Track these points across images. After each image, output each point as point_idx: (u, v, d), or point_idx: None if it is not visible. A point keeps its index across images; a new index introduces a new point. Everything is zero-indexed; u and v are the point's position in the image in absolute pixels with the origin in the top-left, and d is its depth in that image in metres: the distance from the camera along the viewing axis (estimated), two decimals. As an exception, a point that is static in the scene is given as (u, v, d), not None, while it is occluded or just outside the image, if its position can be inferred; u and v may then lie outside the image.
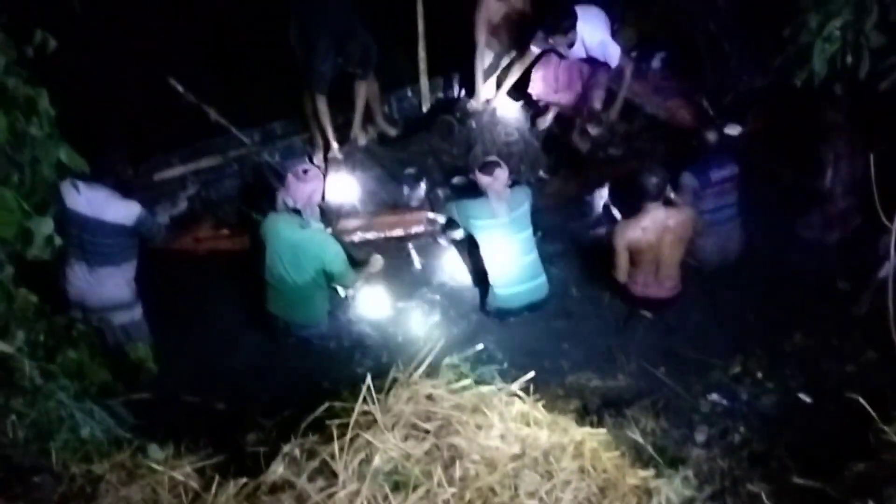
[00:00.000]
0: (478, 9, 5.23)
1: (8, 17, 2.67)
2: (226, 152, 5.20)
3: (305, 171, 4.24)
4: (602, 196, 5.17)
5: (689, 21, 5.48)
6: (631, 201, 4.55)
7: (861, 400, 3.15)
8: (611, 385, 4.25)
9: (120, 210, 4.01)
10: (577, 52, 5.11)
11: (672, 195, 4.55)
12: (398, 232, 4.87)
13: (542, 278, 4.60)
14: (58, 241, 2.84)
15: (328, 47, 4.79)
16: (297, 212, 4.20)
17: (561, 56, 5.28)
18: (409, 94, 5.82)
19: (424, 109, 5.77)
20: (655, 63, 5.77)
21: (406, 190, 5.05)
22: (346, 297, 4.58)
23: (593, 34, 5.00)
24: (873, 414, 3.14)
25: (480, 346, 3.59)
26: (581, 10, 4.97)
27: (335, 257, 4.20)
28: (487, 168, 4.50)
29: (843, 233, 4.90)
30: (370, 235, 4.84)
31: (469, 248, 4.77)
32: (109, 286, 4.09)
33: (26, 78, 2.64)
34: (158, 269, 4.35)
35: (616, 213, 4.97)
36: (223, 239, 4.73)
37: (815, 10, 3.73)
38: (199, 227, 4.76)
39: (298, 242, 4.18)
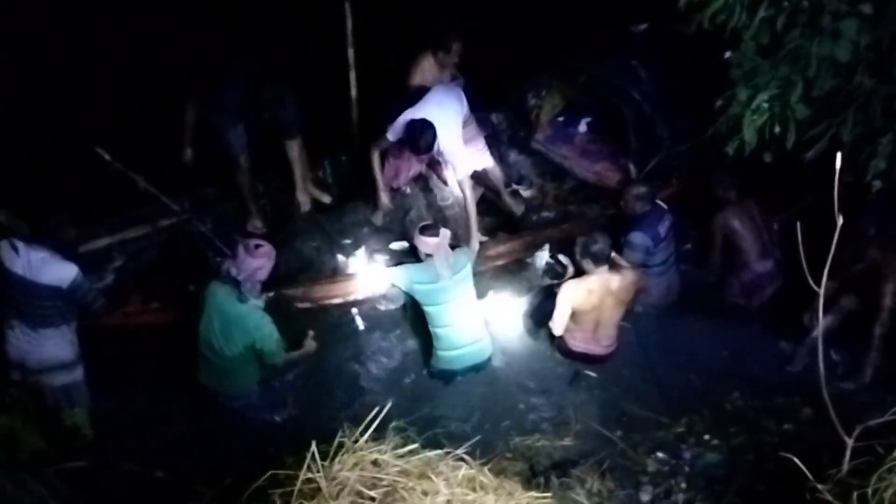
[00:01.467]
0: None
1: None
2: (155, 221, 5.07)
3: (258, 247, 4.16)
4: (542, 256, 5.22)
5: (613, 89, 5.73)
6: (575, 262, 4.68)
7: (796, 460, 3.21)
8: (557, 445, 4.27)
9: (54, 272, 3.92)
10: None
11: (616, 258, 4.67)
12: (337, 300, 4.82)
13: (485, 339, 4.63)
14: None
15: (238, 112, 4.83)
16: (237, 283, 4.10)
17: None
18: (344, 158, 5.81)
19: (359, 173, 5.62)
20: (581, 127, 5.97)
21: (342, 258, 5.00)
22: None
23: (447, 139, 4.85)
24: (808, 474, 3.21)
25: (426, 410, 3.58)
26: (436, 109, 4.82)
27: (268, 337, 4.13)
28: (429, 230, 4.50)
29: (761, 298, 5.12)
30: (308, 304, 4.78)
31: (412, 310, 4.77)
32: (50, 346, 4.00)
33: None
34: (92, 338, 4.23)
35: (566, 261, 4.99)
36: (152, 313, 4.56)
37: (744, 84, 3.94)
38: (126, 301, 4.57)
39: (233, 316, 4.10)
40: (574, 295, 4.49)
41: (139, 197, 4.89)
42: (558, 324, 4.55)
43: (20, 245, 3.76)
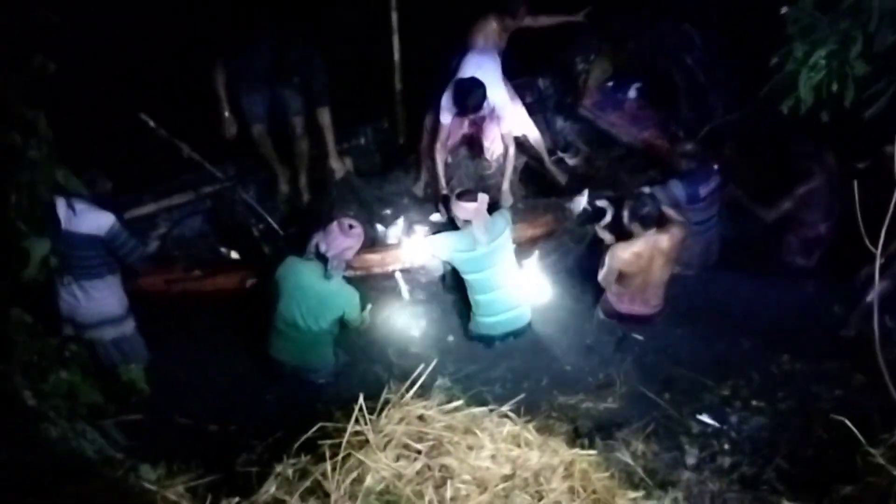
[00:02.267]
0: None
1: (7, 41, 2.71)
2: (199, 188, 5.07)
3: (351, 227, 4.20)
4: (580, 202, 5.05)
5: (664, 54, 5.57)
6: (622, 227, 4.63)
7: (848, 423, 3.16)
8: (602, 408, 4.26)
9: (92, 221, 3.97)
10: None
11: (667, 211, 4.61)
12: (377, 269, 4.78)
13: (524, 306, 4.62)
14: (53, 261, 2.88)
15: (258, 77, 4.80)
16: (323, 259, 4.14)
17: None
18: (386, 125, 5.75)
19: (401, 141, 5.69)
20: (631, 93, 5.82)
21: (382, 229, 4.92)
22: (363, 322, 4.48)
23: (495, 95, 4.80)
24: (860, 437, 3.15)
25: (470, 370, 3.60)
26: (478, 71, 4.77)
27: (356, 308, 4.20)
28: (467, 196, 4.47)
29: (819, 256, 5.00)
30: (349, 272, 4.71)
31: (451, 277, 4.76)
32: (98, 300, 4.09)
33: (24, 100, 2.68)
34: (142, 301, 4.33)
35: (604, 205, 4.90)
36: (195, 281, 4.58)
37: (800, 40, 3.82)
38: (170, 268, 4.62)
39: (323, 293, 4.13)
40: (623, 258, 4.45)
41: (184, 164, 4.92)
42: (607, 283, 4.53)
43: (61, 200, 3.82)
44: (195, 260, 4.76)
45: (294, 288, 4.14)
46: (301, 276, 4.15)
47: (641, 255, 4.44)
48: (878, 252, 3.14)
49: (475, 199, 4.44)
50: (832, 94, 3.88)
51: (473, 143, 5.23)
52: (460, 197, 4.47)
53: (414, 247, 4.72)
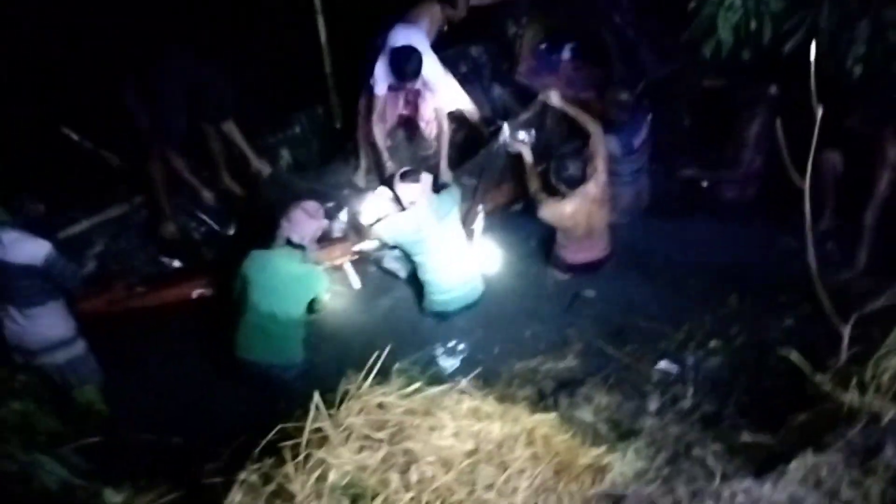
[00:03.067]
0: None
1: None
2: (132, 199, 4.86)
3: (317, 208, 4.20)
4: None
5: (593, 15, 5.54)
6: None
7: (793, 355, 3.26)
8: (562, 367, 4.32)
9: (27, 251, 3.86)
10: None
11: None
12: (326, 264, 4.65)
13: (476, 279, 4.63)
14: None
15: (180, 99, 4.56)
16: (299, 247, 4.13)
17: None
18: (320, 111, 5.59)
19: (338, 126, 5.56)
20: (565, 55, 5.71)
21: (326, 223, 4.72)
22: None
23: (429, 67, 4.67)
24: (806, 367, 3.25)
25: (427, 349, 3.62)
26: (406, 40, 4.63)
27: (321, 286, 4.21)
28: (410, 176, 4.42)
29: (755, 190, 5.10)
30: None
31: (403, 258, 4.74)
32: (42, 325, 3.99)
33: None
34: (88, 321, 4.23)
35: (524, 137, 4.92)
36: (138, 297, 4.46)
37: (716, -18, 3.86)
38: (111, 287, 4.47)
39: (301, 276, 4.12)
40: (558, 219, 4.51)
41: (114, 175, 4.79)
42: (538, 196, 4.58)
43: None
44: (137, 274, 4.64)
45: (267, 279, 4.10)
46: (272, 266, 4.12)
47: (576, 212, 4.49)
48: (806, 184, 3.21)
49: (419, 180, 4.40)
50: (750, 33, 3.93)
51: (410, 125, 5.16)
52: (404, 178, 4.42)
53: (360, 238, 4.67)
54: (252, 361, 4.20)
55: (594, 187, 4.51)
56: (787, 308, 4.37)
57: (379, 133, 4.85)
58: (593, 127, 4.66)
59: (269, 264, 4.12)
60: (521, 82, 5.68)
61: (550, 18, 5.75)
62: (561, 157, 4.55)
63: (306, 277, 4.16)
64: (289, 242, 4.16)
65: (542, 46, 5.74)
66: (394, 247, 4.63)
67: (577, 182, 4.46)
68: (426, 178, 4.44)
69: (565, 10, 5.68)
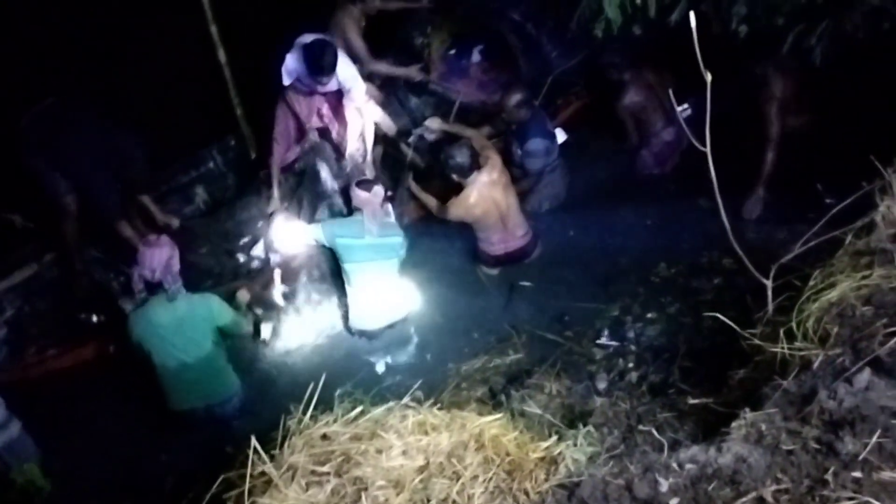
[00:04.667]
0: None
1: None
2: (41, 258, 4.74)
3: (157, 237, 4.04)
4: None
5: (492, 15, 5.57)
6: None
7: (719, 315, 3.31)
8: (509, 361, 4.36)
9: None
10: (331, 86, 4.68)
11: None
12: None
13: (402, 300, 4.63)
14: None
15: (104, 173, 4.47)
16: (157, 286, 3.96)
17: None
18: (232, 142, 5.51)
19: (253, 156, 5.46)
20: (475, 58, 5.79)
21: (243, 258, 4.77)
22: (263, 340, 4.44)
23: (343, 66, 4.59)
24: (733, 325, 3.31)
25: (368, 370, 3.58)
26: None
27: (220, 308, 4.06)
28: (364, 184, 4.43)
29: (673, 163, 5.21)
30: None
31: (332, 276, 4.70)
32: None
33: None
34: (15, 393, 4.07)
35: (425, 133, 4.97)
36: (52, 359, 4.37)
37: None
38: (22, 354, 4.37)
39: (182, 317, 3.98)
40: (466, 212, 4.52)
41: (19, 236, 4.66)
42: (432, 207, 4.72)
43: None
44: (55, 333, 4.51)
45: (155, 334, 3.98)
46: (152, 318, 3.99)
47: (479, 199, 4.52)
48: (707, 147, 3.26)
49: (370, 190, 4.41)
50: (637, 8, 3.99)
51: (324, 144, 5.00)
52: (359, 184, 4.44)
53: (296, 233, 4.58)
54: (189, 410, 4.10)
55: (490, 173, 4.54)
56: (715, 267, 4.47)
57: (280, 146, 4.69)
58: (471, 132, 4.74)
59: (150, 320, 3.99)
60: (436, 90, 5.69)
61: (453, 23, 5.80)
62: (446, 148, 4.57)
63: (191, 313, 4.02)
64: (149, 287, 4.00)
65: (452, 52, 5.75)
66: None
67: (468, 169, 4.47)
68: (377, 191, 4.45)
69: (464, 13, 5.74)
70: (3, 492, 3.76)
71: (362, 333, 4.62)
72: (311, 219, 4.69)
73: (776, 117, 4.53)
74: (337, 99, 4.78)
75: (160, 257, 3.99)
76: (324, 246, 4.56)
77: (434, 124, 4.93)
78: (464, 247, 4.96)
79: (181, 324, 3.98)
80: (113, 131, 4.59)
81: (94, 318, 4.48)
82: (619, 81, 5.13)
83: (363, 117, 4.81)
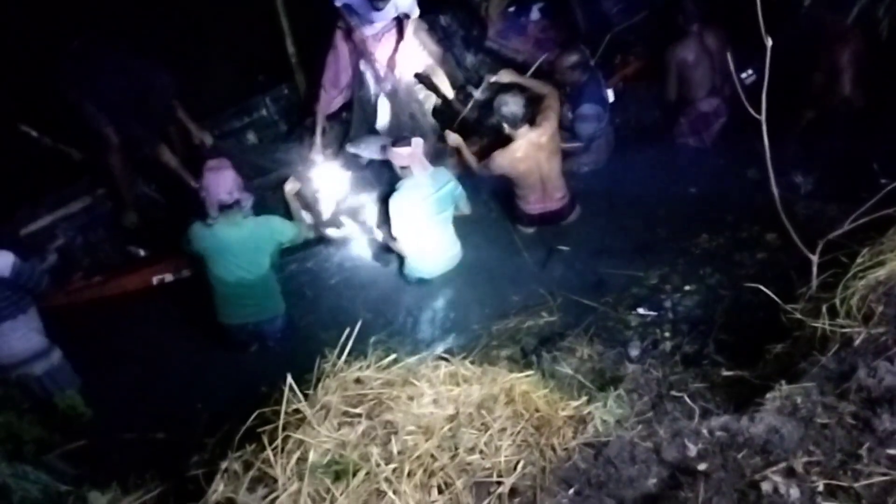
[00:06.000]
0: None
1: None
2: (95, 191, 4.86)
3: (218, 161, 4.13)
4: None
5: None
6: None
7: (762, 287, 3.26)
8: (542, 323, 4.34)
9: None
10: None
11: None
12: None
13: (456, 247, 4.63)
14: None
15: (95, 78, 4.51)
16: (232, 206, 4.08)
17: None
18: (286, 91, 5.54)
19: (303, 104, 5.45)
20: (534, 15, 5.66)
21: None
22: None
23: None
24: (776, 299, 3.26)
25: (404, 320, 3.61)
26: None
27: (282, 225, 4.22)
28: (401, 141, 4.40)
29: (710, 136, 5.08)
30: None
31: (385, 222, 4.70)
32: (15, 340, 3.96)
33: None
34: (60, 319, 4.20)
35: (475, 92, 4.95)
36: (96, 287, 4.47)
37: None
38: (68, 280, 4.48)
39: (248, 236, 4.12)
40: (508, 164, 4.50)
41: (75, 169, 4.75)
42: (474, 166, 4.68)
43: None
44: (104, 264, 4.64)
45: (221, 251, 4.11)
46: (220, 236, 4.12)
47: (524, 157, 4.48)
48: (763, 116, 3.18)
49: (409, 144, 4.37)
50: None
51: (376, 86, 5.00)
52: (395, 143, 4.40)
53: (362, 226, 4.64)
54: (238, 324, 4.26)
55: (541, 135, 4.49)
56: (758, 241, 4.39)
57: (327, 93, 4.73)
58: (546, 88, 4.65)
59: (217, 238, 4.12)
60: (492, 47, 5.62)
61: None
62: (502, 97, 4.50)
63: (259, 235, 4.16)
64: (223, 207, 4.10)
65: (511, 9, 5.65)
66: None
67: (519, 119, 4.43)
68: (416, 142, 4.39)
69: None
70: (48, 415, 3.90)
71: (416, 282, 4.65)
72: (358, 164, 4.70)
73: (840, 78, 4.37)
74: (390, 43, 4.77)
75: (229, 178, 4.10)
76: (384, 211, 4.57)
77: (506, 77, 4.84)
78: (501, 207, 4.93)
79: (246, 242, 4.12)
80: (146, 66, 4.67)
81: (142, 251, 4.58)
82: (682, 30, 4.96)
83: (417, 61, 4.80)
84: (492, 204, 5.02)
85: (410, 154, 4.36)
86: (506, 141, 4.55)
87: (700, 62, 4.91)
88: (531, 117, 4.51)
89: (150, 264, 4.58)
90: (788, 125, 4.71)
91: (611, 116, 5.11)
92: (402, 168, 4.40)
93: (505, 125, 4.48)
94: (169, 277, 4.51)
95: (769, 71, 3.06)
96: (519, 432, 2.83)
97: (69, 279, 4.48)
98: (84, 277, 4.48)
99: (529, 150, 4.48)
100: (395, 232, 4.50)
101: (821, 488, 2.23)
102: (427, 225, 4.47)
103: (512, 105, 4.41)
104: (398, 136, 4.52)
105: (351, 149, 4.85)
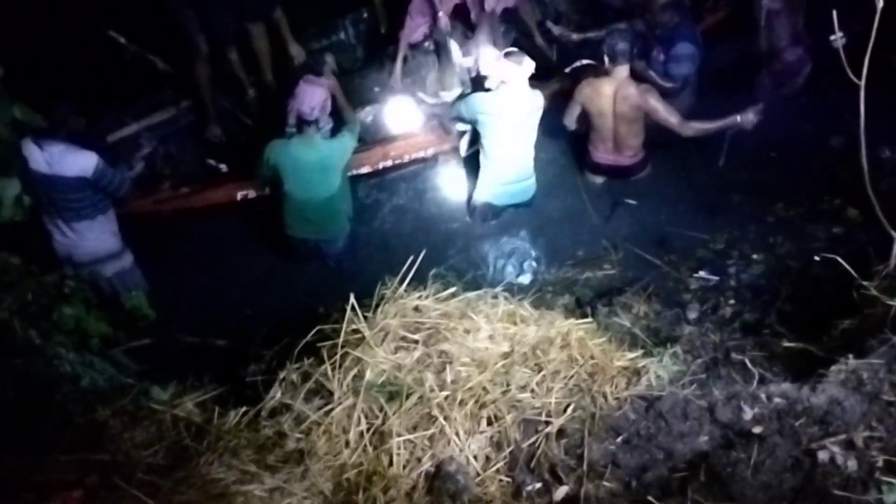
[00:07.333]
0: None
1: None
2: (179, 103, 4.92)
3: (316, 75, 4.19)
4: None
5: None
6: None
7: (839, 259, 3.16)
8: (601, 275, 4.30)
9: (77, 163, 3.92)
10: None
11: (649, 73, 4.55)
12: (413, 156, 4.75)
13: (532, 179, 4.56)
14: (27, 200, 2.85)
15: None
16: (311, 124, 4.14)
17: None
18: (365, 14, 5.48)
19: (383, 30, 5.42)
20: None
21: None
22: None
23: None
24: (853, 272, 3.16)
25: (465, 255, 3.61)
26: None
27: (352, 134, 4.32)
28: (515, 55, 4.27)
29: (793, 87, 4.86)
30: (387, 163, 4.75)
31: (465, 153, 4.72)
32: (91, 239, 4.09)
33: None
34: (135, 224, 4.32)
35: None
36: (183, 197, 4.56)
37: None
38: (157, 188, 4.58)
39: (323, 157, 4.20)
40: (586, 91, 4.46)
41: (161, 79, 4.82)
42: (569, 118, 4.59)
43: (37, 142, 3.81)
44: (184, 176, 4.71)
45: (293, 168, 4.20)
46: (294, 154, 4.19)
47: (602, 95, 4.43)
48: (863, 82, 3.03)
49: (521, 62, 4.25)
50: None
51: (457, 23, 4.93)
52: (508, 55, 4.29)
53: (439, 106, 4.63)
54: (301, 239, 4.42)
55: (633, 94, 4.39)
56: (835, 215, 4.24)
57: (412, 21, 4.72)
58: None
59: (291, 154, 4.19)
60: None
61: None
62: (615, 28, 4.46)
63: (333, 155, 4.23)
64: (301, 121, 4.14)
65: None
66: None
67: (620, 54, 4.36)
68: (528, 63, 4.26)
69: None
70: (114, 313, 4.04)
71: (484, 208, 4.60)
72: (436, 94, 4.66)
73: None
74: None
75: (319, 96, 4.15)
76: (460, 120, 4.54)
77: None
78: (571, 156, 4.84)
79: (321, 162, 4.20)
80: None
81: (222, 166, 4.66)
82: None
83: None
84: (561, 150, 4.92)
85: (517, 72, 4.24)
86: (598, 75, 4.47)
87: (784, 8, 4.70)
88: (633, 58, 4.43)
89: (237, 179, 4.67)
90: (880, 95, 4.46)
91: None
92: (501, 81, 4.29)
93: (606, 58, 4.38)
94: (252, 193, 4.61)
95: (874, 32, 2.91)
96: (572, 377, 2.85)
97: (157, 188, 4.58)
98: (172, 188, 4.58)
99: (610, 95, 4.38)
100: (483, 132, 4.41)
101: (880, 464, 2.19)
102: (514, 137, 4.39)
103: (620, 41, 4.31)
104: (510, 50, 4.39)
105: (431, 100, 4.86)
